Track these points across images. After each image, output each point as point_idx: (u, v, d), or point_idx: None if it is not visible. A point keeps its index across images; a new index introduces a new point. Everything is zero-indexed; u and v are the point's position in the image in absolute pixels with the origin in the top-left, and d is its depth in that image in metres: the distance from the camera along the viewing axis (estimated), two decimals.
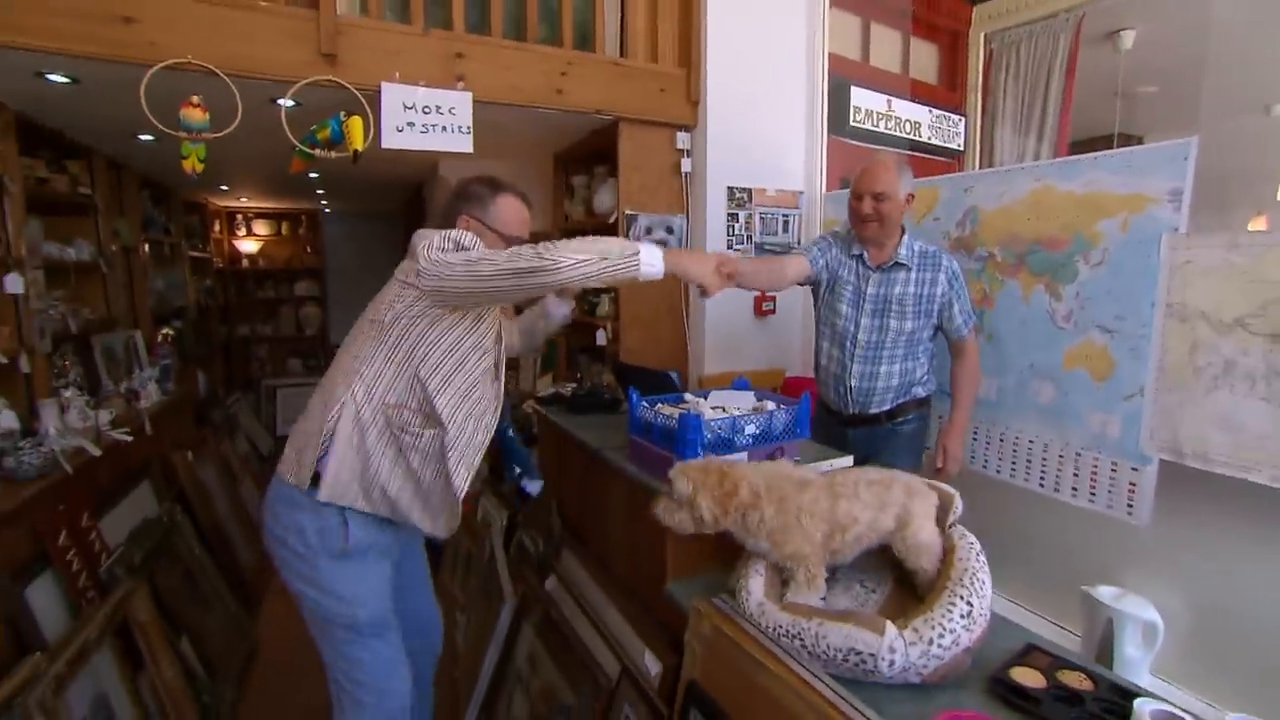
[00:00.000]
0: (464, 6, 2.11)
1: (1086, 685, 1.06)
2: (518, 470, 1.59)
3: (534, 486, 1.60)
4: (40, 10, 1.60)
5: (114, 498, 2.15)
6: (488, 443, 1.45)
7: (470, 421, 1.36)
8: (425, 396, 1.30)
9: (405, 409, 1.32)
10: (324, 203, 5.86)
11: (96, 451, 1.99)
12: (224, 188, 4.70)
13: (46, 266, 2.53)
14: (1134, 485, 1.58)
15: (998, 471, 1.94)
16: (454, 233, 1.30)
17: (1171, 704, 0.83)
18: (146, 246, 3.65)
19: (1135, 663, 1.50)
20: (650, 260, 1.23)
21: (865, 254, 1.85)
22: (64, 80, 1.86)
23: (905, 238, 1.81)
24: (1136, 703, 0.80)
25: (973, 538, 1.28)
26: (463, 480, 1.37)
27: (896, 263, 1.80)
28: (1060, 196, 1.73)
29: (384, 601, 1.38)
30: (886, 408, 1.84)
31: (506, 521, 2.60)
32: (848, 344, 1.87)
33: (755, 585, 1.18)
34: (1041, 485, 1.81)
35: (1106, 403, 1.63)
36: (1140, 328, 1.54)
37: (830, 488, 1.23)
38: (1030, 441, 1.84)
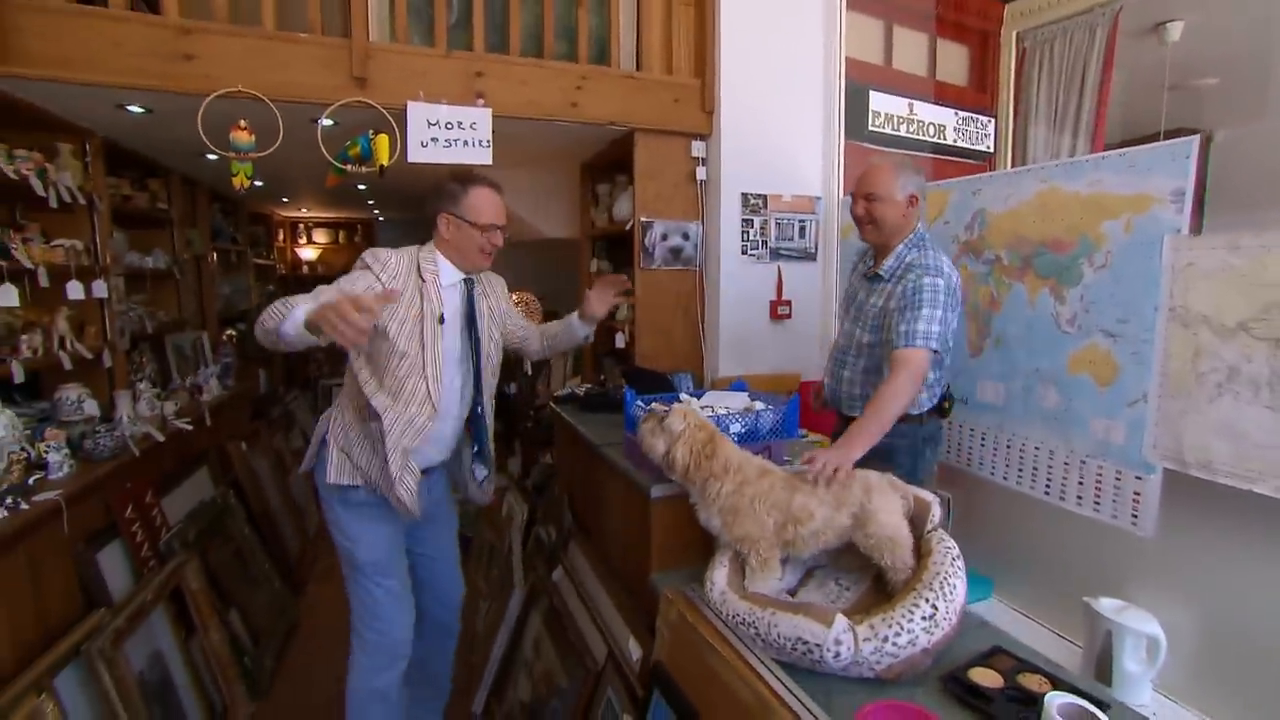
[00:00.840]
0: (484, 28, 2.25)
1: (1045, 688, 1.06)
2: (475, 447, 1.71)
3: (480, 471, 1.72)
4: (120, 53, 1.84)
5: (175, 480, 2.39)
6: (440, 427, 1.59)
7: (406, 410, 1.51)
8: (364, 397, 1.51)
9: (363, 409, 1.54)
10: (376, 212, 6.21)
11: (161, 438, 2.22)
12: (285, 200, 5.07)
13: (127, 274, 2.84)
14: (1138, 495, 1.53)
15: (1005, 478, 1.90)
16: (354, 275, 1.50)
17: (1084, 701, 0.84)
18: (215, 255, 3.99)
19: (1135, 678, 1.45)
20: (299, 315, 1.29)
21: (867, 261, 1.84)
22: (140, 110, 2.11)
23: (900, 247, 1.70)
24: (1046, 697, 0.81)
25: (951, 542, 1.28)
26: (399, 465, 1.51)
27: (878, 274, 1.73)
28: (1066, 197, 1.70)
29: (380, 550, 1.59)
30: (857, 413, 1.74)
31: (526, 515, 2.73)
32: (833, 347, 1.91)
33: (719, 576, 1.24)
34: (1048, 493, 1.77)
35: (1110, 409, 1.59)
36: (1143, 332, 1.50)
37: (789, 481, 1.27)
38: (1036, 448, 1.80)
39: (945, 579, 1.18)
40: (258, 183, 3.97)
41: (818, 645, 1.05)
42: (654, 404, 1.36)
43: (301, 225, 6.52)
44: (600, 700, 1.50)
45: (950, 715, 1.01)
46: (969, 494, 2.13)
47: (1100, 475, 1.62)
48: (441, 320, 1.56)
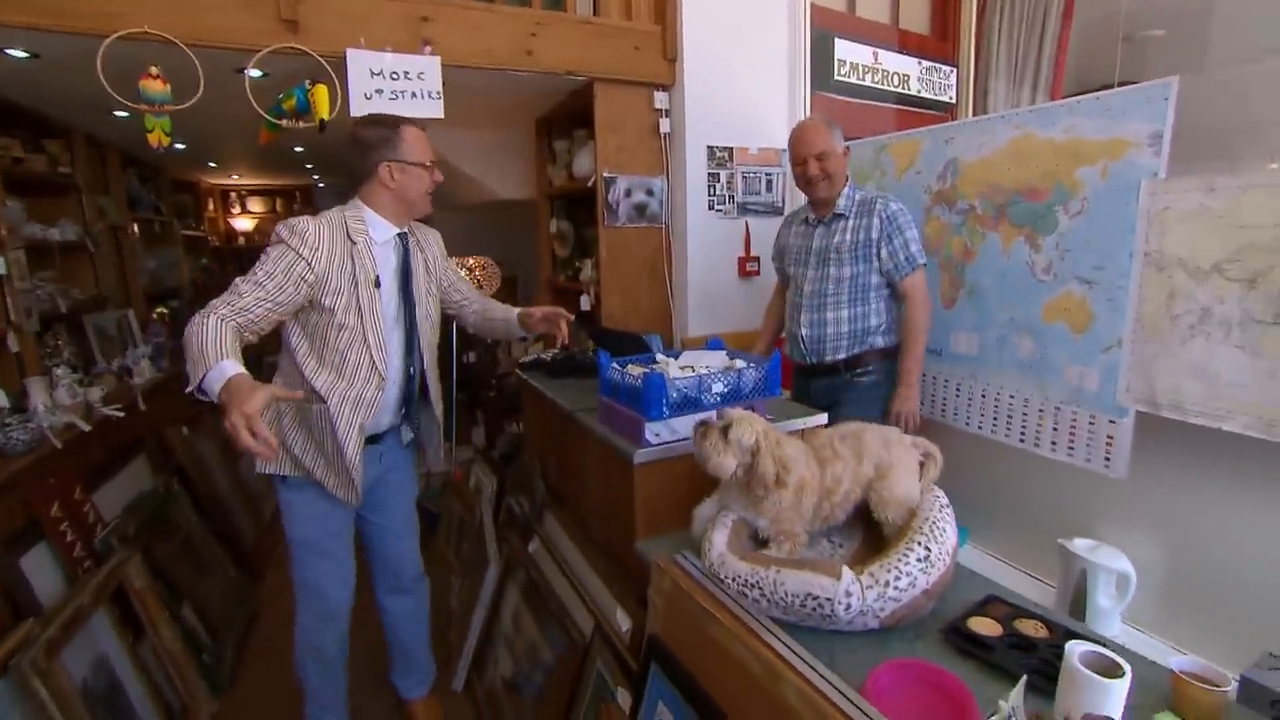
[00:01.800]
0: None
1: (1042, 633, 1.07)
2: (403, 410, 1.63)
3: (406, 434, 1.72)
4: None
5: (108, 472, 2.20)
6: (390, 394, 1.54)
7: (352, 387, 1.46)
8: (305, 379, 1.44)
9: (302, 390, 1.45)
10: (315, 177, 5.83)
11: (86, 427, 2.02)
12: (212, 164, 4.68)
13: (29, 247, 2.55)
14: (1111, 438, 1.56)
15: (979, 427, 1.93)
16: (272, 255, 1.38)
17: (1104, 647, 0.83)
18: (135, 226, 3.66)
19: (1106, 612, 1.51)
20: (215, 380, 1.18)
21: (810, 215, 1.95)
22: (23, 55, 1.84)
23: (846, 189, 1.86)
24: (1068, 645, 0.80)
25: (939, 491, 1.28)
26: (354, 449, 1.48)
27: (835, 214, 1.86)
28: (1040, 144, 1.68)
29: (311, 529, 1.57)
30: (842, 356, 1.87)
31: (496, 487, 2.65)
32: (798, 297, 1.95)
33: (719, 538, 1.20)
34: (1022, 440, 1.80)
35: (1085, 355, 1.61)
36: (1119, 278, 1.51)
37: (816, 454, 1.24)
38: (1011, 396, 1.82)
39: (935, 523, 1.18)
40: (178, 144, 3.63)
41: (828, 599, 1.03)
42: (703, 419, 1.22)
43: (234, 194, 6.07)
44: (589, 673, 1.46)
45: (954, 666, 1.00)
46: (942, 444, 2.12)
47: (1074, 421, 1.65)
48: (378, 284, 1.48)
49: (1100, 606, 1.51)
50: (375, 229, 1.50)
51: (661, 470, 1.44)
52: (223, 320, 1.27)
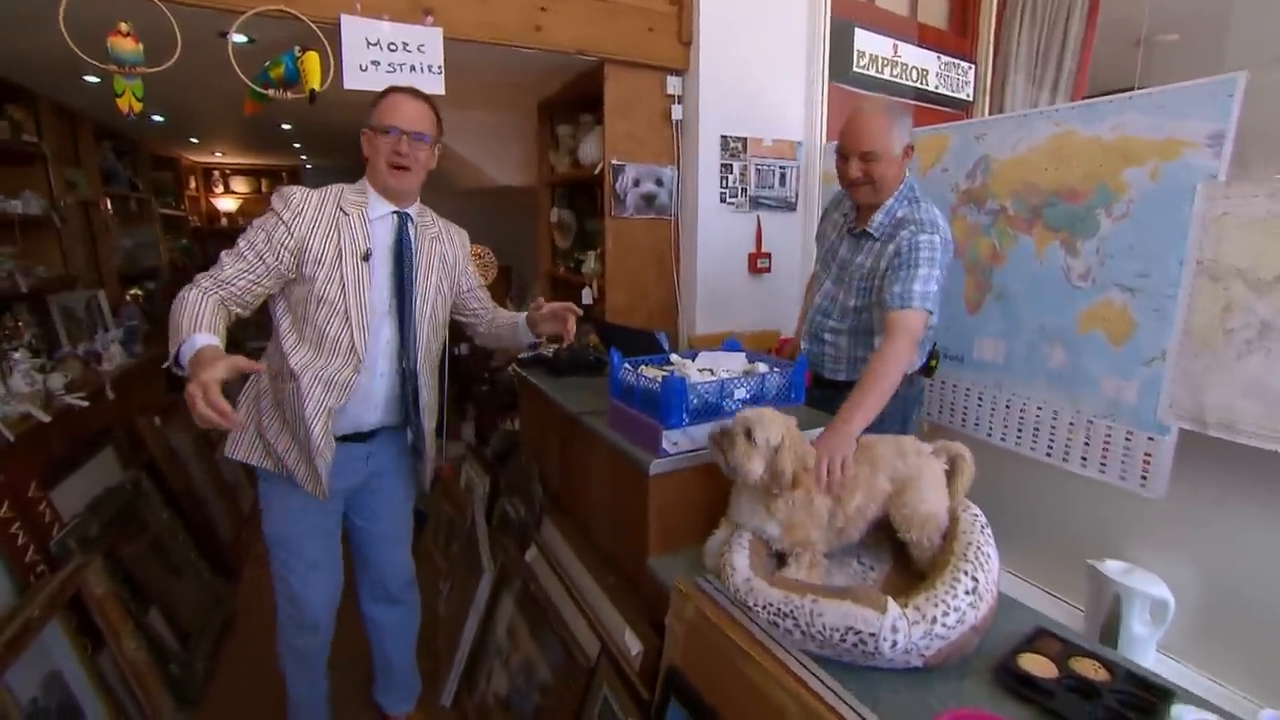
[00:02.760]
0: None
1: (1102, 675, 0.97)
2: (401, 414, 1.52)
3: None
4: None
5: (70, 466, 2.04)
6: (372, 381, 1.44)
7: (327, 366, 1.37)
8: (282, 354, 1.36)
9: (281, 371, 1.38)
10: (304, 157, 5.62)
11: (45, 418, 1.87)
12: (194, 140, 4.47)
13: None
14: (1149, 456, 1.48)
15: (1002, 439, 1.84)
16: (260, 221, 1.34)
17: (1210, 713, 0.74)
18: (109, 202, 3.46)
19: (1142, 640, 1.43)
20: (187, 352, 1.14)
21: (850, 214, 1.67)
22: None
23: (890, 202, 1.54)
24: (1175, 709, 0.70)
25: (976, 509, 1.19)
26: (320, 434, 1.38)
27: (865, 230, 1.58)
28: (1083, 143, 1.58)
29: (284, 525, 1.49)
30: (841, 378, 1.68)
31: (489, 488, 2.52)
32: (813, 298, 1.76)
33: (740, 560, 1.09)
34: (1049, 454, 1.72)
35: (1123, 367, 1.52)
36: (1166, 287, 1.42)
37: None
38: (1039, 408, 1.73)
39: (979, 548, 1.09)
40: (156, 116, 3.44)
41: (872, 635, 0.92)
42: (721, 426, 1.15)
43: (217, 172, 5.84)
44: (595, 698, 1.35)
45: (1012, 713, 0.90)
46: None
47: (1109, 436, 1.56)
48: (367, 257, 1.38)
49: (1135, 634, 1.43)
50: (373, 204, 1.41)
51: (678, 481, 1.33)
52: (204, 293, 1.24)
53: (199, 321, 1.17)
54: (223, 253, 1.31)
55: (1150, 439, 1.48)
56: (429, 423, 1.58)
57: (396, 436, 1.58)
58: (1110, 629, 1.47)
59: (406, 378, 1.48)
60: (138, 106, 1.64)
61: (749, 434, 1.12)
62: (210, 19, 1.70)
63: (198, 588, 2.30)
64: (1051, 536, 1.76)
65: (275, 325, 1.39)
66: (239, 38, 1.83)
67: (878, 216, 1.56)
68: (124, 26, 1.55)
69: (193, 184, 5.49)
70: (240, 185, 5.95)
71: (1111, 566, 1.50)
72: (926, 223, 1.47)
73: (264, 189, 6.03)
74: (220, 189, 5.86)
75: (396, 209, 1.43)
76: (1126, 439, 1.53)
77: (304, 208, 1.33)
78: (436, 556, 2.64)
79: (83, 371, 2.33)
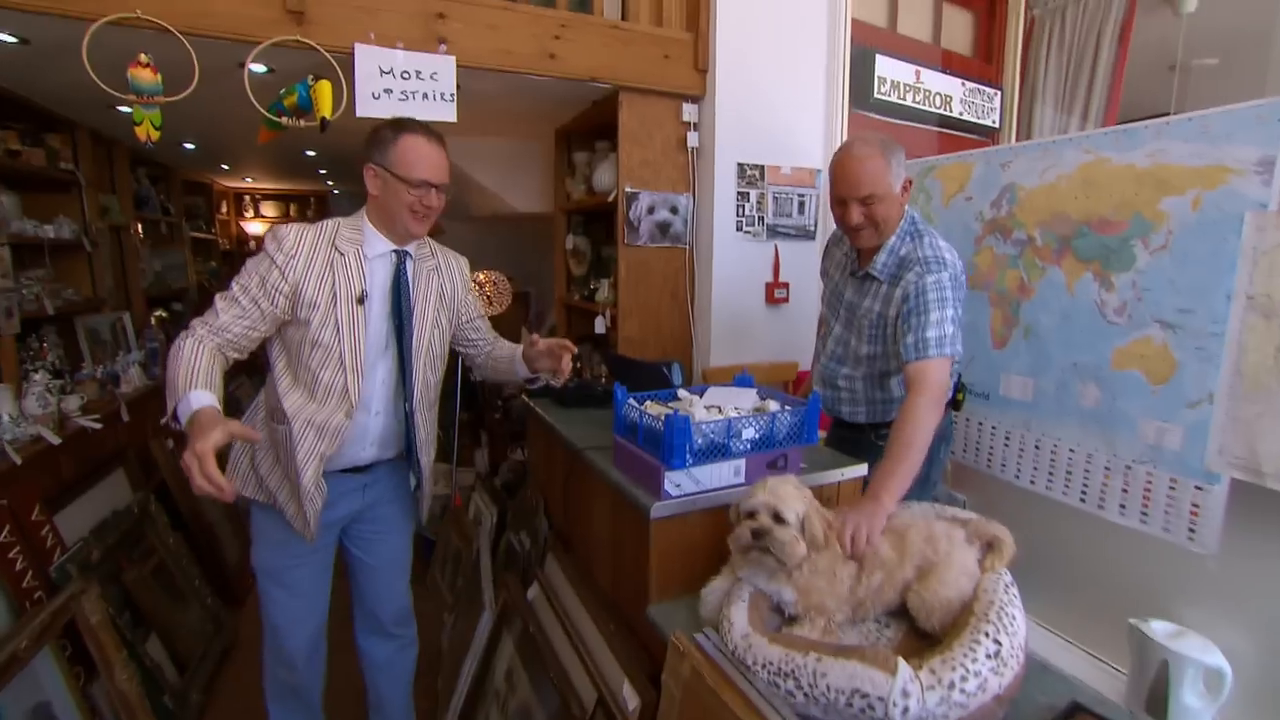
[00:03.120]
0: None
1: None
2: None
3: (411, 481, 1.57)
4: None
5: (79, 489, 2.04)
6: (368, 425, 1.42)
7: (320, 411, 1.34)
8: (277, 396, 1.34)
9: (275, 410, 1.36)
10: (330, 183, 5.75)
11: (55, 440, 1.88)
12: (225, 167, 4.60)
13: (22, 243, 2.43)
14: (1197, 506, 1.36)
15: (1031, 482, 1.73)
16: (255, 261, 1.31)
17: None
18: (140, 226, 3.56)
19: (1196, 714, 1.29)
20: (184, 411, 1.14)
21: (852, 252, 1.58)
22: (13, 40, 1.73)
23: (892, 240, 1.45)
24: None
25: (1002, 568, 1.09)
26: (311, 479, 1.34)
27: (868, 274, 1.49)
28: (1116, 171, 1.50)
29: (271, 557, 1.46)
30: (861, 419, 1.60)
31: (496, 519, 2.46)
32: (824, 338, 1.68)
33: (738, 615, 1.01)
34: (1083, 500, 1.60)
35: (1165, 410, 1.41)
36: (1211, 324, 1.32)
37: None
38: (1071, 450, 1.62)
39: (1002, 608, 0.99)
40: (188, 144, 3.55)
41: (880, 699, 0.83)
42: (752, 520, 1.05)
43: (248, 197, 6.01)
44: None
45: None
46: (986, 497, 1.95)
47: (1150, 483, 1.45)
48: (362, 300, 1.33)
49: (1187, 706, 1.29)
50: (369, 241, 1.36)
51: (681, 526, 1.26)
52: (199, 342, 1.22)
53: (195, 377, 1.15)
54: (216, 297, 1.28)
55: (1198, 488, 1.36)
56: (427, 457, 1.53)
57: (395, 467, 1.54)
58: (1158, 698, 1.34)
59: (406, 417, 1.44)
60: (155, 135, 1.66)
61: (778, 517, 1.05)
62: (230, 49, 1.73)
63: (200, 614, 2.28)
64: (1089, 590, 1.63)
65: (271, 364, 1.36)
66: (258, 68, 1.86)
67: (880, 257, 1.47)
68: (143, 58, 1.58)
69: (224, 208, 5.65)
70: (269, 209, 6.12)
71: (1158, 628, 1.37)
72: (932, 260, 1.39)
73: (292, 213, 6.19)
74: (250, 213, 6.04)
75: (397, 248, 1.39)
76: (1170, 487, 1.41)
77: (298, 249, 1.29)
78: (443, 588, 2.58)
79: (99, 393, 2.35)
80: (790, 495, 1.05)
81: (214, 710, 2.04)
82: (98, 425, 2.10)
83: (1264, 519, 1.29)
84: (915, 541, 1.06)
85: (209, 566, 2.52)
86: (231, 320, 1.25)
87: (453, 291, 1.53)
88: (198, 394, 1.14)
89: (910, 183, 1.46)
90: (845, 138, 2.41)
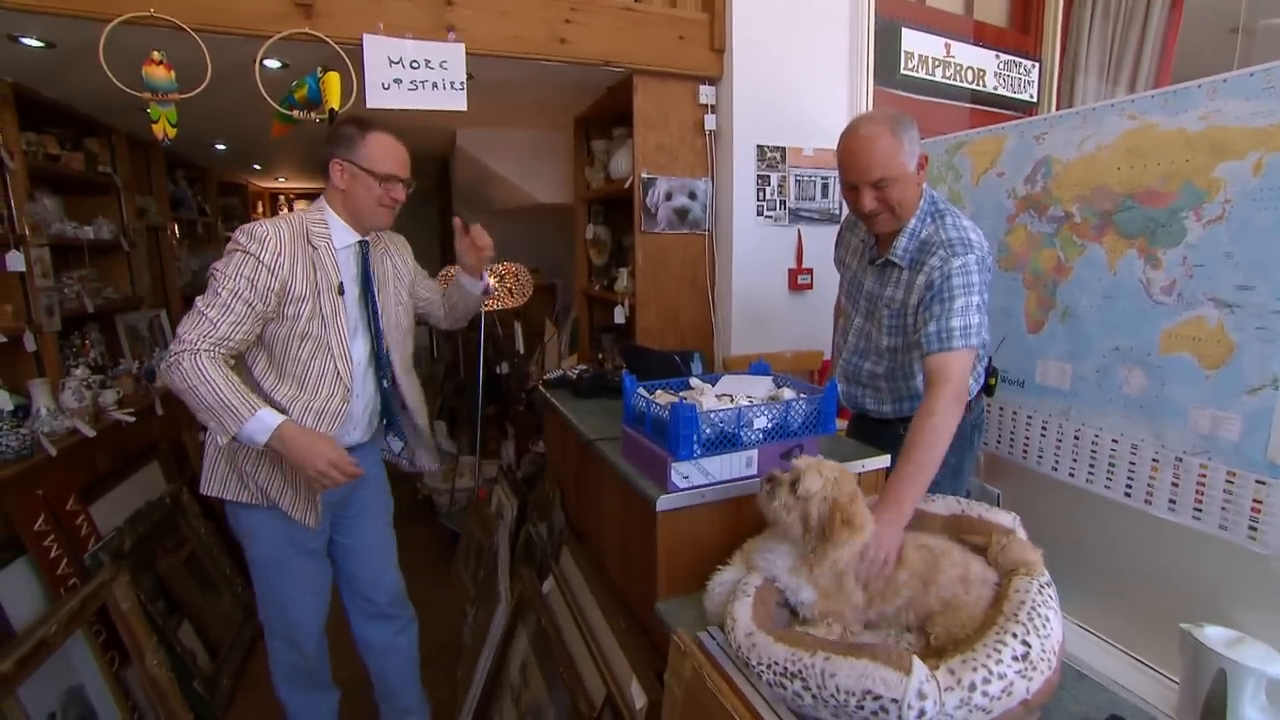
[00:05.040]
0: None
1: None
2: (384, 420, 1.58)
3: (395, 443, 1.64)
4: None
5: (114, 480, 2.11)
6: (357, 405, 1.47)
7: (315, 398, 1.38)
8: (264, 393, 1.35)
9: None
10: None
11: (90, 432, 1.94)
12: (257, 167, 4.72)
13: (64, 245, 2.52)
14: (1259, 502, 1.24)
15: (1071, 474, 1.62)
16: (233, 262, 1.29)
17: None
18: (176, 226, 3.67)
19: None
20: (257, 431, 1.23)
21: (869, 238, 1.49)
22: (39, 44, 1.78)
23: (912, 224, 1.35)
24: None
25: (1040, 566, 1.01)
26: None
27: (888, 260, 1.40)
28: (1164, 137, 1.38)
29: (277, 548, 1.47)
30: (888, 413, 1.52)
31: (516, 511, 2.46)
32: (845, 329, 1.60)
33: (743, 613, 0.96)
34: (1128, 494, 1.49)
35: (1220, 397, 1.30)
36: (1274, 301, 1.20)
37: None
38: (1114, 441, 1.51)
39: (1034, 609, 0.92)
40: (219, 145, 3.64)
41: (894, 700, 0.78)
42: (775, 471, 1.06)
43: (282, 197, 6.16)
44: None
45: None
46: (1022, 490, 1.85)
47: (1204, 477, 1.33)
48: (341, 291, 1.40)
49: (1248, 719, 1.19)
50: (336, 233, 1.42)
51: (689, 519, 1.21)
52: (215, 360, 1.24)
53: (246, 396, 1.23)
54: (201, 308, 1.26)
55: (1260, 483, 1.24)
56: (423, 419, 1.62)
57: (373, 449, 1.61)
58: (1214, 711, 1.23)
59: (389, 394, 1.52)
60: (171, 132, 1.69)
61: (794, 485, 1.02)
62: (242, 45, 1.74)
63: (231, 603, 2.34)
64: (1136, 592, 1.52)
65: (247, 363, 1.37)
66: (272, 63, 1.87)
67: (900, 241, 1.37)
68: (156, 55, 1.61)
69: (260, 208, 5.81)
70: (303, 208, 6.26)
71: (1213, 635, 1.26)
72: (957, 242, 1.29)
73: None
74: (285, 212, 6.19)
75: (362, 237, 1.45)
76: (1228, 481, 1.29)
77: (279, 247, 1.31)
78: (465, 580, 2.59)
79: (135, 388, 2.42)
80: (814, 471, 1.01)
81: (243, 696, 2.09)
82: (131, 418, 2.16)
83: None
84: (949, 575, 0.99)
85: (239, 556, 2.58)
86: (231, 329, 1.26)
87: (402, 266, 1.60)
88: (266, 412, 1.23)
89: (926, 159, 1.35)
90: None
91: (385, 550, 1.68)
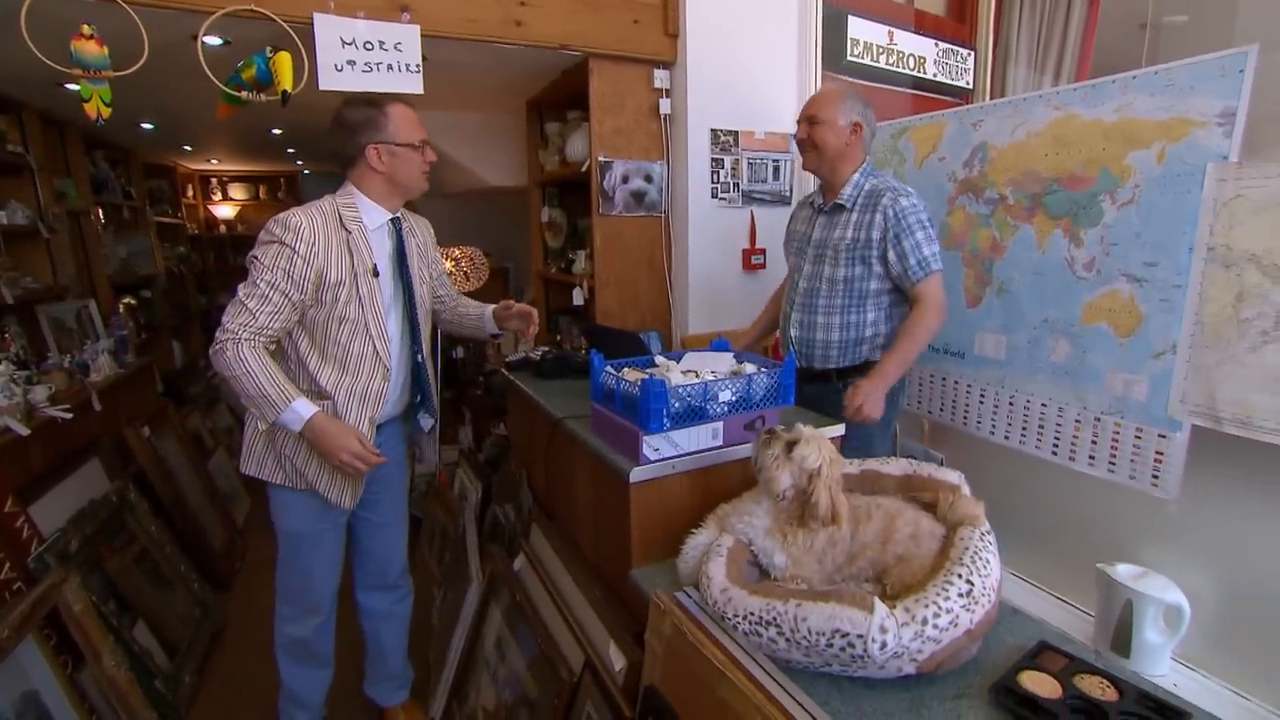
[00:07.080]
0: None
1: (1110, 694, 0.91)
2: (418, 396, 1.61)
3: (426, 421, 1.66)
4: None
5: (51, 480, 2.00)
6: (394, 384, 1.52)
7: (357, 380, 1.44)
8: (309, 375, 1.41)
9: (308, 392, 1.41)
10: (299, 163, 5.59)
11: (24, 431, 1.84)
12: (187, 148, 4.45)
13: None
14: (1161, 454, 1.40)
15: (1006, 437, 1.77)
16: (269, 253, 1.33)
17: None
18: (101, 211, 3.44)
19: (1156, 649, 1.35)
20: (291, 421, 1.32)
21: (818, 199, 1.76)
22: None
23: (855, 176, 1.65)
24: None
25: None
26: (368, 428, 1.46)
27: (837, 203, 1.67)
28: (1085, 127, 1.51)
29: (309, 522, 1.51)
30: (832, 365, 1.70)
31: (481, 494, 2.47)
32: (792, 293, 1.78)
33: (716, 570, 1.03)
34: (1054, 453, 1.64)
35: (1131, 361, 1.45)
36: (1174, 275, 1.35)
37: (853, 512, 1.09)
38: (1043, 405, 1.66)
39: (976, 553, 1.03)
40: (146, 125, 3.42)
41: (860, 636, 0.87)
42: (777, 427, 1.14)
43: (214, 180, 5.83)
44: (579, 714, 1.29)
45: None
46: (962, 454, 2.00)
47: (1117, 434, 1.49)
48: (376, 273, 1.44)
49: (1149, 642, 1.35)
50: (368, 215, 1.45)
51: (661, 489, 1.27)
52: (256, 349, 1.30)
53: (282, 384, 1.30)
54: (241, 298, 1.31)
55: (1161, 436, 1.40)
56: (437, 398, 1.69)
57: (398, 426, 1.64)
58: (1122, 637, 1.39)
59: (420, 368, 1.56)
60: (106, 112, 1.60)
61: (790, 446, 1.10)
62: (180, 20, 1.66)
63: (187, 600, 2.27)
64: (1060, 539, 1.68)
65: (293, 347, 1.41)
66: (213, 40, 1.79)
67: (846, 190, 1.66)
68: (86, 29, 1.51)
69: (190, 192, 5.48)
70: (238, 192, 5.94)
71: (1123, 571, 1.42)
72: (899, 188, 1.60)
73: (261, 195, 6.01)
74: (218, 196, 5.86)
75: (393, 215, 1.48)
76: (1136, 436, 1.45)
77: (314, 236, 1.34)
78: (431, 564, 2.59)
79: (69, 383, 2.30)
80: (814, 444, 1.09)
81: (207, 692, 2.05)
82: (69, 415, 2.06)
83: (1220, 464, 1.33)
84: (901, 532, 1.08)
85: (194, 553, 2.51)
86: (270, 319, 1.32)
87: (426, 245, 1.64)
88: (301, 404, 1.31)
89: (859, 127, 1.64)
90: None
91: (400, 523, 1.75)
